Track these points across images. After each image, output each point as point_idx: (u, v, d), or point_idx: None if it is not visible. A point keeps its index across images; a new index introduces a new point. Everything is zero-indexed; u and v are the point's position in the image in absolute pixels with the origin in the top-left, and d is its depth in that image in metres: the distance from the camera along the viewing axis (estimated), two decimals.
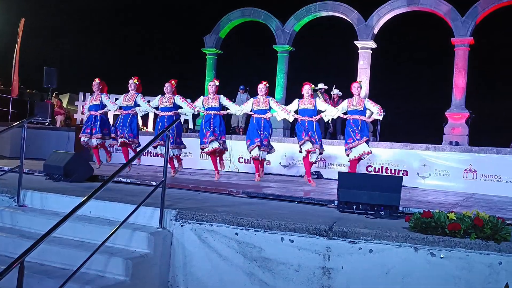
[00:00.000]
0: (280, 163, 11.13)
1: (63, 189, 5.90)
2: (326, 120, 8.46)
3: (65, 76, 16.89)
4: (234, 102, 8.81)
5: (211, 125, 8.29)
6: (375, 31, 13.78)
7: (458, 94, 12.75)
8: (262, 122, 8.29)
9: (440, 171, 9.91)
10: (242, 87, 14.45)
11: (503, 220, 3.93)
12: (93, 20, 20.78)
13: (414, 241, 3.93)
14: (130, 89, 9.16)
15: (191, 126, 15.19)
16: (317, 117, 8.11)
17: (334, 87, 12.70)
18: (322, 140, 8.25)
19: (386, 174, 9.87)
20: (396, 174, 9.94)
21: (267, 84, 8.57)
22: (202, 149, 8.43)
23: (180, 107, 8.62)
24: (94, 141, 9.29)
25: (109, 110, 9.41)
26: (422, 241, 3.91)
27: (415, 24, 15.14)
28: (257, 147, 8.19)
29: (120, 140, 8.88)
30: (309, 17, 14.80)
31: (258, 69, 15.84)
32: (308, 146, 7.98)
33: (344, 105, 8.19)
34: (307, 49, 17.03)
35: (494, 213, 4.89)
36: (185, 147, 8.73)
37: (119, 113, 9.17)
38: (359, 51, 13.82)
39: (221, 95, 8.49)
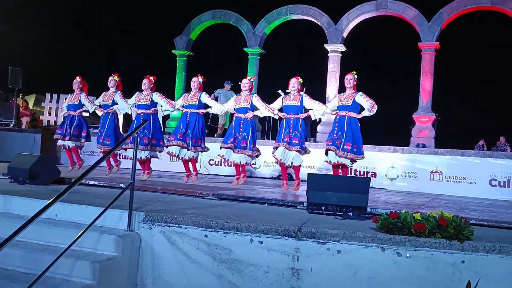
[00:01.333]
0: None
1: (28, 192, 5.77)
2: (314, 118, 7.65)
3: (31, 76, 16.51)
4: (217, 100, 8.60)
5: (186, 125, 7.93)
6: (345, 34, 13.97)
7: (424, 97, 13.03)
8: (242, 122, 7.74)
9: (408, 172, 10.09)
10: (228, 82, 13.67)
11: (466, 220, 4.03)
12: (59, 18, 20.37)
13: (381, 241, 3.99)
14: (109, 86, 8.85)
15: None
16: (304, 115, 7.42)
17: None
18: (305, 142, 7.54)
19: (354, 175, 9.99)
20: (365, 176, 10.07)
21: (252, 80, 8.08)
22: (166, 147, 8.02)
23: (159, 106, 8.31)
24: (69, 144, 8.91)
25: (87, 111, 9.08)
26: (389, 241, 3.98)
27: (383, 28, 15.43)
28: (229, 150, 7.72)
29: (99, 150, 8.64)
30: (280, 20, 14.90)
31: (230, 72, 15.83)
32: (279, 153, 7.33)
33: (335, 101, 7.48)
34: (278, 52, 17.13)
35: (458, 213, 5.01)
36: (162, 150, 8.32)
37: (100, 113, 8.88)
38: (329, 55, 13.98)
39: (203, 93, 8.13)
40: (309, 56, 16.89)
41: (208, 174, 11.14)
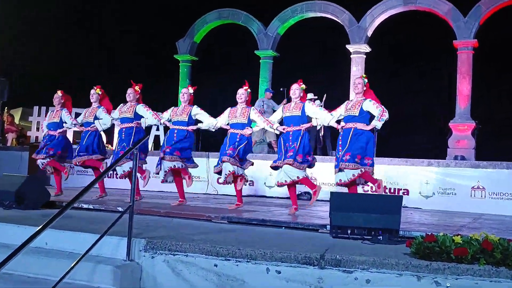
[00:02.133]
0: (264, 183, 11.13)
1: (14, 217, 5.82)
2: (315, 125, 7.43)
3: (17, 88, 16.72)
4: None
5: (172, 141, 7.71)
6: (369, 33, 14.00)
7: (462, 102, 12.95)
8: (238, 139, 7.47)
9: (445, 189, 10.00)
10: (268, 89, 13.28)
11: None
12: (49, 26, 20.68)
13: (416, 268, 3.95)
14: (92, 101, 8.86)
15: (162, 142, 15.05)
16: (306, 125, 7.16)
17: (324, 97, 12.69)
18: (313, 155, 7.31)
19: (384, 193, 9.91)
20: (395, 194, 10.00)
21: (249, 89, 7.80)
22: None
23: (142, 118, 8.24)
24: (40, 163, 8.86)
25: (68, 128, 9.08)
26: (425, 268, 3.94)
27: (412, 25, 15.40)
28: (227, 163, 7.35)
29: (74, 161, 8.58)
30: (295, 19, 14.98)
31: (239, 78, 15.90)
32: (280, 177, 7.05)
33: (342, 109, 7.18)
34: (293, 55, 17.20)
35: (505, 235, 4.94)
36: (145, 163, 8.32)
37: (80, 130, 8.89)
38: (351, 56, 14.00)
39: (195, 106, 7.96)
40: (329, 58, 16.90)
41: (217, 194, 11.15)
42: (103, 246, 4.57)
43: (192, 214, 6.58)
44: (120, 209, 6.81)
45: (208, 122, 7.89)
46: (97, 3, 20.79)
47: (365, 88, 7.09)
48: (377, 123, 6.87)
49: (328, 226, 5.40)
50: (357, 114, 6.94)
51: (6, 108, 16.61)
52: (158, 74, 18.92)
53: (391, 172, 10.34)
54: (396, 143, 14.69)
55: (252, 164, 7.80)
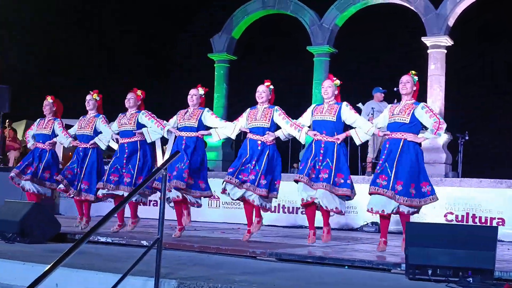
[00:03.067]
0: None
1: (19, 253, 5.95)
2: (358, 142, 7.28)
3: (20, 98, 17.18)
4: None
5: (183, 153, 7.59)
6: (450, 22, 13.81)
7: None
8: (259, 146, 7.38)
9: None
10: (378, 89, 12.55)
11: None
12: (57, 28, 21.41)
13: None
14: (88, 109, 8.85)
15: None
16: (342, 136, 7.05)
17: (395, 101, 12.52)
18: (350, 176, 7.11)
19: (473, 224, 9.72)
20: (488, 224, 9.79)
21: (271, 86, 7.68)
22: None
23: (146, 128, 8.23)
24: (27, 185, 8.96)
25: (61, 143, 9.23)
26: None
27: (502, 10, 15.10)
28: (235, 187, 7.31)
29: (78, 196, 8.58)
30: (357, 7, 14.92)
31: (287, 80, 15.95)
32: (306, 194, 6.98)
33: (386, 113, 6.97)
34: (353, 51, 17.13)
35: None
36: (153, 193, 8.40)
37: (76, 146, 8.90)
38: (428, 51, 13.83)
39: (206, 109, 7.94)
40: (399, 54, 16.77)
41: (262, 224, 11.13)
42: None
43: (233, 250, 6.58)
44: (145, 243, 6.89)
45: (224, 131, 7.80)
46: (97, 3, 21.54)
47: (414, 88, 6.87)
48: (430, 135, 6.70)
49: (403, 265, 5.31)
50: (407, 122, 6.68)
51: (7, 121, 17.03)
52: (158, 74, 19.45)
53: (480, 197, 10.13)
54: (483, 158, 14.44)
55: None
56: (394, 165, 6.55)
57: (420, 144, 6.80)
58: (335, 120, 7.03)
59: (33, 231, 7.09)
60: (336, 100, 7.20)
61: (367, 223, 10.33)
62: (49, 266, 3.59)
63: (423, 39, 13.84)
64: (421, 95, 13.33)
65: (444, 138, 13.33)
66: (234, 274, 5.10)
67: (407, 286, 4.76)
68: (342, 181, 6.98)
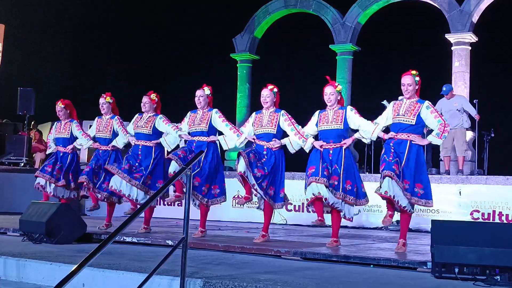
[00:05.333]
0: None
1: (46, 253, 6.01)
2: (367, 142, 7.18)
3: (45, 100, 17.37)
4: None
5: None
6: (474, 18, 13.70)
7: None
8: (265, 153, 7.23)
9: None
10: (448, 86, 12.02)
11: None
12: (83, 30, 21.68)
13: None
14: (102, 112, 8.92)
15: None
16: (348, 141, 6.88)
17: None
18: (363, 185, 6.95)
19: (500, 222, 9.63)
20: None
21: (276, 89, 7.42)
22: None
23: (162, 133, 8.23)
24: (51, 188, 9.00)
25: (81, 146, 9.21)
26: None
27: None
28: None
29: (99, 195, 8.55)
30: (379, 4, 14.88)
31: (312, 79, 15.92)
32: (316, 189, 6.63)
33: (389, 112, 6.76)
34: (377, 49, 17.05)
35: None
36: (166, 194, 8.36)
37: (95, 148, 8.95)
38: (452, 48, 13.74)
39: (214, 111, 7.72)
40: (424, 52, 16.66)
41: (286, 223, 11.13)
42: (151, 287, 4.64)
43: (257, 249, 6.58)
44: (170, 242, 6.92)
45: (230, 135, 7.62)
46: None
47: (417, 87, 6.68)
48: (435, 140, 6.59)
49: (429, 264, 5.28)
50: (413, 123, 6.52)
51: (33, 122, 17.21)
52: (181, 75, 19.63)
53: (507, 195, 10.03)
54: (510, 155, 14.29)
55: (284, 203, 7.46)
56: (402, 166, 6.41)
57: (422, 147, 6.72)
58: (342, 128, 6.85)
59: (59, 231, 7.14)
60: (340, 105, 7.00)
61: (392, 222, 10.26)
62: (75, 266, 3.61)
63: (447, 36, 13.76)
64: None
65: (469, 135, 13.22)
66: (259, 273, 5.10)
67: (433, 284, 4.73)
68: (350, 187, 6.80)
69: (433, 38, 14.92)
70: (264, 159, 7.18)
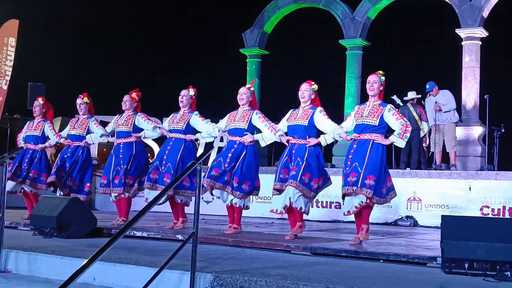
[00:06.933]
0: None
1: (57, 248, 6.04)
2: (324, 144, 7.21)
3: (55, 95, 17.44)
4: None
5: (164, 155, 7.92)
6: (485, 13, 13.63)
7: None
8: (235, 147, 7.48)
9: None
10: (433, 83, 12.17)
11: None
12: (92, 26, 21.78)
13: None
14: (80, 112, 9.13)
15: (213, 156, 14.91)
16: (312, 142, 7.00)
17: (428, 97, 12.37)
18: (327, 176, 7.17)
19: (510, 217, 9.60)
20: None
21: (251, 87, 7.86)
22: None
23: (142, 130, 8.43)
24: (27, 188, 9.19)
25: (49, 145, 9.44)
26: None
27: None
28: (218, 190, 7.45)
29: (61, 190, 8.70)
30: None
31: (321, 75, 15.91)
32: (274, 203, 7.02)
33: (353, 115, 6.94)
34: (387, 44, 17.01)
35: None
36: (142, 189, 8.44)
37: (66, 144, 9.10)
38: (463, 43, 13.68)
39: (195, 112, 8.10)
40: (433, 46, 16.61)
41: None
42: (162, 282, 4.65)
43: (267, 244, 6.59)
44: (180, 237, 6.94)
45: (206, 129, 7.93)
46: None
47: (381, 88, 6.80)
48: (397, 141, 6.65)
49: (439, 259, 5.28)
50: (376, 124, 6.64)
51: None
52: (191, 70, 19.67)
53: None
54: None
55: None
56: (364, 165, 6.52)
57: (385, 147, 6.75)
58: (306, 124, 7.01)
59: (70, 226, 7.18)
60: (312, 105, 7.16)
61: (402, 217, 10.28)
62: (86, 260, 3.63)
63: (457, 31, 13.69)
64: (455, 87, 13.27)
65: (479, 131, 13.18)
66: (268, 268, 5.11)
67: (443, 280, 4.72)
68: (308, 181, 6.92)
69: (443, 33, 14.88)
70: (230, 153, 7.45)
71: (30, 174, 9.18)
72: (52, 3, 20.30)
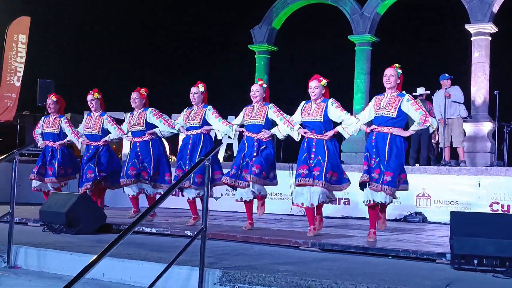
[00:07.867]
0: (364, 202, 11.01)
1: (66, 244, 6.07)
2: (346, 136, 7.28)
3: (65, 91, 17.52)
4: None
5: (188, 153, 7.94)
6: (495, 8, 13.56)
7: None
8: (256, 144, 7.52)
9: None
10: (445, 75, 12.14)
11: None
12: (92, 26, 21.88)
13: None
14: (92, 109, 9.12)
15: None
16: (330, 133, 7.03)
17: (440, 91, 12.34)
18: (345, 172, 7.27)
19: None
20: None
21: (264, 84, 7.86)
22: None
23: (155, 127, 8.46)
24: (49, 186, 9.28)
25: (70, 142, 9.38)
26: None
27: None
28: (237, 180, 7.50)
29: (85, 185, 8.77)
30: None
31: (330, 71, 15.88)
32: (296, 197, 7.10)
33: (372, 106, 6.88)
34: (396, 40, 16.96)
35: None
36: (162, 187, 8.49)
37: (84, 144, 9.10)
38: (472, 39, 13.61)
39: (209, 107, 8.07)
40: (443, 42, 16.55)
41: (304, 215, 11.12)
42: (171, 278, 4.67)
43: (276, 240, 6.60)
44: (188, 233, 6.96)
45: (221, 128, 7.96)
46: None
47: (398, 81, 6.76)
48: (417, 128, 6.65)
49: (448, 255, 5.27)
50: (394, 116, 6.62)
51: None
52: (199, 67, 19.70)
53: None
54: None
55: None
56: (385, 160, 6.55)
57: (404, 139, 6.74)
58: (321, 120, 7.05)
59: (79, 222, 7.21)
60: (323, 97, 7.19)
61: (411, 213, 10.25)
62: (95, 256, 3.65)
63: (467, 26, 13.63)
64: (464, 83, 13.21)
65: (489, 127, 13.13)
66: (277, 263, 5.12)
67: (452, 276, 4.71)
68: (335, 178, 7.06)
69: (452, 28, 14.83)
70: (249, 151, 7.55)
71: (58, 171, 9.23)
72: (52, 3, 20.45)
